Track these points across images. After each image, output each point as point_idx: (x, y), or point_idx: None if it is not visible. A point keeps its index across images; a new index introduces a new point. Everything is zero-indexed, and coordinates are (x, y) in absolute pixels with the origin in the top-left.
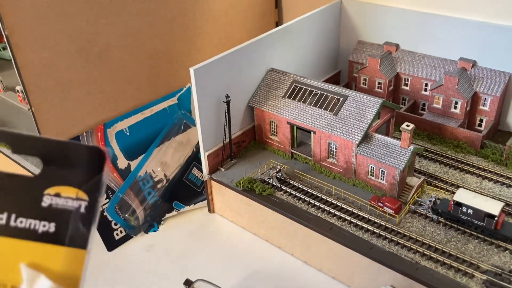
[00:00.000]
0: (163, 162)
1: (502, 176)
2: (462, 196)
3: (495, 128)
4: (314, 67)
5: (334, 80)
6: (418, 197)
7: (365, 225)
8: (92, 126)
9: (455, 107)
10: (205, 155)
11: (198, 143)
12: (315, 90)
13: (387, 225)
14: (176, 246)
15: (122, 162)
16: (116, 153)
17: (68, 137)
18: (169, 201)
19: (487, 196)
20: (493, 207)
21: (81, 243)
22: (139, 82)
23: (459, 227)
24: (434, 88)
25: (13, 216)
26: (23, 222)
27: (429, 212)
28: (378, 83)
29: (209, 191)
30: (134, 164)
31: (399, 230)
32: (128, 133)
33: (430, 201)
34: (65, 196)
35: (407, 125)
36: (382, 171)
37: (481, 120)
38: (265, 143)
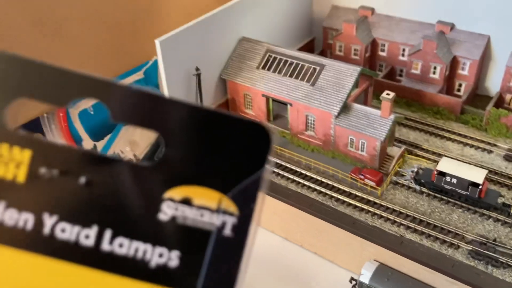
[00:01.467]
0: (131, 142)
1: (483, 142)
2: (445, 165)
3: (474, 93)
4: (287, 35)
5: (308, 48)
6: (399, 167)
7: (346, 199)
8: (53, 107)
9: (434, 72)
10: None
11: None
12: (290, 59)
13: (369, 198)
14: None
15: (88, 144)
16: (81, 134)
17: (27, 120)
18: None
19: (470, 164)
20: (477, 176)
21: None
22: (102, 56)
23: (442, 197)
24: (412, 53)
25: (107, 234)
26: (124, 246)
27: (411, 182)
28: (355, 49)
29: None
30: (100, 144)
31: (381, 203)
32: (92, 112)
33: (412, 171)
34: (200, 205)
35: (388, 94)
36: (362, 142)
37: (460, 85)
38: None
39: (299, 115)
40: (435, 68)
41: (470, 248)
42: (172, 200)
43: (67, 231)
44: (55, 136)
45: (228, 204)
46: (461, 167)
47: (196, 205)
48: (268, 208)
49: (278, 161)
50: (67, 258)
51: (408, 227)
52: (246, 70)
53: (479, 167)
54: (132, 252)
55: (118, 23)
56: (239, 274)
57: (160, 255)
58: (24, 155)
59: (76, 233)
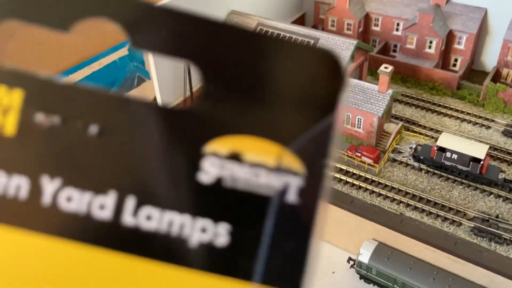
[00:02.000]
0: None
1: (480, 117)
2: (445, 140)
3: (470, 68)
4: (276, 10)
5: (299, 23)
6: (396, 144)
7: (343, 177)
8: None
9: (430, 47)
10: None
11: (154, 98)
12: (283, 33)
13: (366, 176)
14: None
15: None
16: None
17: None
18: None
19: (470, 139)
20: (478, 151)
21: (290, 276)
22: (86, 31)
23: (442, 173)
24: (407, 27)
25: (130, 202)
26: (153, 219)
27: (410, 159)
28: (347, 24)
29: None
30: None
31: (379, 181)
32: None
33: (410, 147)
34: (254, 162)
35: (386, 67)
36: (358, 118)
37: (455, 60)
38: None
39: None
40: (430, 42)
41: (472, 225)
42: (216, 155)
43: (75, 200)
44: None
45: (291, 161)
46: (461, 142)
47: (249, 161)
48: None
49: None
50: (75, 237)
51: (408, 205)
52: None
53: (480, 142)
54: (165, 227)
55: None
56: (309, 253)
57: (203, 230)
58: (13, 98)
59: (87, 202)
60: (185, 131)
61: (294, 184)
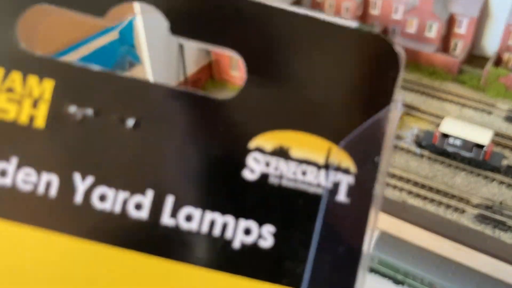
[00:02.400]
0: None
1: (481, 103)
2: (449, 126)
3: (470, 53)
4: None
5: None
6: (398, 130)
7: None
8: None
9: (430, 31)
10: None
11: None
12: None
13: None
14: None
15: None
16: None
17: None
18: None
19: (473, 124)
20: (482, 137)
21: (343, 280)
22: (74, 14)
23: (444, 160)
24: (408, 11)
25: (169, 201)
26: (194, 219)
27: (411, 145)
28: (346, 8)
29: None
30: None
31: None
32: None
33: (412, 133)
34: (301, 159)
35: None
36: None
37: (456, 44)
38: (225, 81)
39: None
40: (431, 26)
41: (476, 212)
42: (261, 150)
43: (109, 199)
44: None
45: (342, 157)
46: (464, 128)
47: (296, 158)
48: None
49: None
50: (109, 240)
51: (410, 192)
52: None
53: (483, 128)
54: (206, 228)
55: None
56: (361, 256)
57: (247, 232)
58: (44, 88)
59: (123, 201)
60: (228, 125)
61: (345, 182)
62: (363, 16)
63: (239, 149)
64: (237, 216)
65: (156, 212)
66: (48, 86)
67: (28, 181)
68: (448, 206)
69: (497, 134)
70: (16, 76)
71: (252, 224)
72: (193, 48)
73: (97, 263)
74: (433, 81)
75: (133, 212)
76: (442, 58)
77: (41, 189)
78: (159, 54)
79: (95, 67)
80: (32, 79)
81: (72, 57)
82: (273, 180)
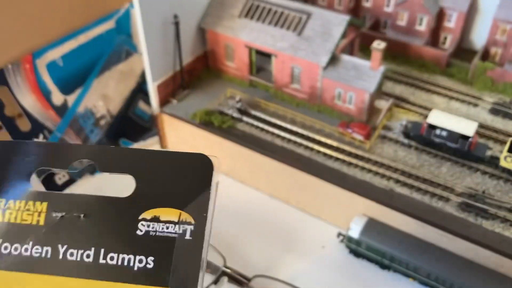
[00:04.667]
0: (104, 96)
1: (468, 95)
2: (435, 118)
3: (459, 46)
4: None
5: None
6: (387, 120)
7: (334, 154)
8: (18, 57)
9: (421, 24)
10: (154, 85)
11: (142, 73)
12: (274, 7)
13: (357, 153)
14: (128, 186)
15: (57, 98)
16: (50, 87)
17: None
18: (115, 139)
19: (460, 117)
20: (468, 128)
21: (189, 282)
22: (71, 2)
23: (431, 150)
24: (399, 4)
25: (102, 252)
26: (114, 259)
27: (400, 136)
28: (338, 0)
29: (160, 126)
30: (71, 99)
31: (370, 157)
32: (61, 64)
33: (401, 124)
34: (165, 220)
35: (378, 44)
36: (350, 95)
37: (445, 38)
38: (220, 70)
39: (284, 67)
40: (421, 19)
41: (460, 201)
42: (145, 219)
43: (74, 255)
44: (22, 88)
45: (186, 217)
46: (451, 119)
47: (163, 220)
48: (253, 164)
49: (263, 116)
50: (74, 275)
51: (397, 181)
52: (227, 19)
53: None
54: (120, 262)
55: None
56: (201, 269)
57: (140, 261)
58: (43, 206)
59: (81, 255)
60: (130, 208)
61: (189, 229)
62: (355, 8)
63: (135, 220)
64: (135, 254)
65: (97, 257)
66: (44, 205)
67: (37, 251)
68: (433, 195)
69: (482, 126)
70: (31, 203)
71: (142, 257)
72: (189, 38)
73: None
74: (422, 74)
75: (86, 259)
76: (431, 51)
77: (43, 255)
78: (157, 44)
79: (67, 191)
80: (38, 203)
81: (71, 45)
82: (151, 233)
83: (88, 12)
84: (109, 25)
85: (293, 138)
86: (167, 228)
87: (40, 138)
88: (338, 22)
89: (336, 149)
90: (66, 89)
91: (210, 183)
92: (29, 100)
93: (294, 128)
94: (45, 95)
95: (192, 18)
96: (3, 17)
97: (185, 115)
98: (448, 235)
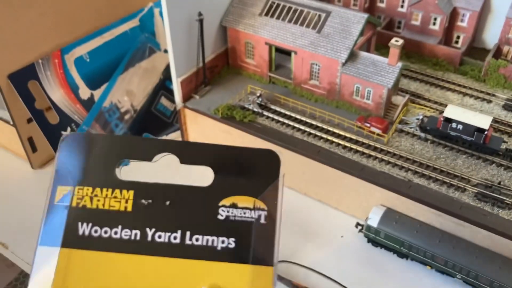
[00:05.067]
0: (129, 91)
1: (482, 92)
2: (452, 112)
3: (471, 45)
4: None
5: None
6: (403, 116)
7: (353, 146)
8: (48, 52)
9: (434, 24)
10: (178, 81)
11: (165, 69)
12: (294, 6)
13: (375, 145)
14: (206, 177)
15: (85, 92)
16: (77, 82)
17: (22, 65)
18: (139, 133)
19: (475, 111)
20: (483, 122)
21: (266, 258)
22: (96, 4)
23: (447, 143)
24: (413, 4)
25: (187, 234)
26: (199, 240)
27: (416, 130)
28: (354, 0)
29: (183, 120)
30: (97, 94)
31: (388, 150)
32: (88, 60)
33: (417, 119)
34: (242, 207)
35: (396, 41)
36: (368, 90)
37: (458, 37)
38: (240, 67)
39: (303, 64)
40: (435, 19)
41: (476, 191)
42: (225, 206)
43: (162, 237)
44: (51, 82)
45: (260, 204)
46: (466, 113)
47: (240, 207)
48: None
49: (283, 111)
50: (163, 254)
51: (415, 172)
52: (248, 17)
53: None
54: (205, 243)
55: None
56: (275, 247)
57: (222, 242)
58: (130, 194)
59: (168, 236)
60: (211, 196)
61: (263, 214)
62: (370, 9)
63: (216, 206)
64: (218, 235)
65: (183, 238)
66: (131, 193)
67: (127, 234)
68: (450, 185)
69: (496, 121)
70: (117, 191)
71: (225, 238)
72: (211, 36)
73: (155, 267)
74: (436, 72)
75: (173, 240)
76: (445, 49)
77: (132, 237)
78: (181, 41)
79: (152, 180)
80: (124, 191)
81: (97, 42)
82: (231, 218)
83: (113, 12)
84: (134, 23)
85: (312, 131)
86: (245, 213)
87: (68, 131)
88: (356, 20)
89: (355, 142)
90: (92, 84)
91: (278, 174)
92: (57, 94)
93: (314, 122)
94: (73, 89)
95: (214, 16)
96: (34, 15)
97: (207, 110)
98: (465, 223)
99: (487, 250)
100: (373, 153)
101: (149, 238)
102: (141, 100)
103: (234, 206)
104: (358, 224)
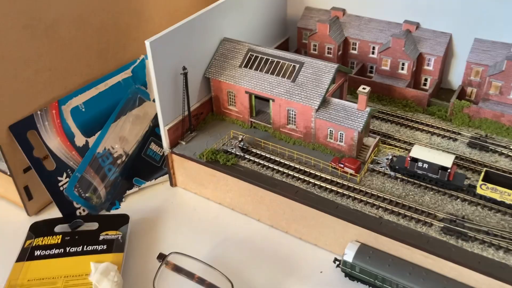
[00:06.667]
0: (121, 137)
1: (448, 131)
2: (417, 152)
3: (438, 86)
4: (264, 35)
5: (284, 47)
6: (375, 156)
7: (328, 186)
8: (45, 104)
9: (402, 68)
10: (165, 129)
11: (154, 117)
12: (271, 58)
13: (349, 185)
14: (142, 222)
15: (80, 139)
16: (73, 130)
17: (22, 117)
18: (129, 178)
19: (439, 150)
20: (446, 160)
21: (120, 250)
22: (89, 57)
23: (415, 181)
24: (382, 51)
25: (85, 246)
26: (90, 247)
27: (387, 169)
28: (328, 48)
29: (171, 165)
30: (92, 140)
31: (361, 188)
32: (83, 109)
33: (387, 159)
34: (111, 234)
35: (363, 88)
36: (340, 133)
37: (425, 80)
38: (223, 114)
39: (281, 110)
40: (403, 64)
41: (442, 225)
42: (103, 234)
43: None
44: (48, 131)
45: (118, 233)
46: (431, 153)
47: (110, 234)
48: (255, 197)
49: (263, 153)
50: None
51: (386, 209)
52: (229, 69)
53: (448, 153)
54: (94, 248)
55: (104, 25)
56: (125, 248)
57: (101, 247)
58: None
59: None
60: (98, 231)
61: (119, 236)
62: (344, 55)
63: (99, 234)
64: (99, 245)
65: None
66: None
67: None
68: (418, 221)
69: (461, 158)
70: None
71: (102, 246)
72: (196, 86)
73: None
74: (406, 113)
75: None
76: (413, 92)
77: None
78: (167, 92)
79: None
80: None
81: (92, 92)
82: (106, 238)
83: (105, 65)
84: (126, 74)
85: (291, 173)
86: (112, 236)
87: (64, 177)
88: (327, 69)
89: (330, 182)
90: (87, 132)
91: (127, 223)
92: (55, 142)
93: (292, 164)
94: (69, 137)
95: (198, 68)
96: (30, 72)
97: (192, 154)
98: (433, 256)
99: (455, 281)
100: (346, 192)
101: None
102: (132, 145)
103: (107, 234)
104: (336, 259)
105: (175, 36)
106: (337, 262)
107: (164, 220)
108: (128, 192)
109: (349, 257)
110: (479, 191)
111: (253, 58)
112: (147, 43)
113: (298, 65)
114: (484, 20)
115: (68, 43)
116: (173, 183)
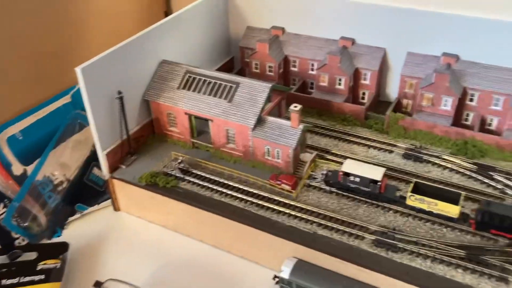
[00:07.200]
0: (61, 164)
1: (384, 143)
2: (348, 166)
3: (376, 100)
4: (207, 56)
5: (228, 66)
6: (312, 171)
7: (265, 204)
8: None
9: (340, 84)
10: (103, 154)
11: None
12: (208, 79)
13: (285, 201)
14: (83, 248)
15: (17, 168)
16: (10, 160)
17: None
18: (72, 204)
19: (371, 163)
20: (376, 173)
21: (58, 279)
22: (26, 83)
23: (349, 195)
24: (319, 68)
25: (22, 277)
26: (28, 278)
27: (322, 184)
28: (269, 66)
29: (112, 190)
30: (31, 168)
31: (296, 205)
32: (21, 137)
33: (322, 174)
34: (50, 263)
35: (295, 106)
36: (277, 151)
37: (363, 94)
38: (165, 135)
39: (219, 130)
40: (340, 80)
41: (373, 238)
42: (42, 264)
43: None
44: None
45: (58, 261)
46: (362, 167)
47: (49, 263)
48: (196, 219)
49: (203, 174)
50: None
51: (320, 224)
52: (168, 91)
53: (381, 166)
54: (32, 279)
55: (41, 51)
56: (63, 276)
57: (39, 277)
58: None
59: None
60: (36, 261)
61: (58, 265)
62: (285, 72)
63: (37, 264)
64: (37, 275)
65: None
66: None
67: None
68: (350, 234)
69: (395, 170)
70: None
71: (41, 276)
72: (135, 109)
73: None
74: (344, 127)
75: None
76: (351, 106)
77: None
78: (103, 117)
79: None
80: None
81: (30, 120)
82: (45, 268)
83: (46, 90)
84: (66, 99)
85: (229, 192)
86: (51, 265)
87: (1, 207)
88: (262, 89)
89: (268, 199)
90: (25, 160)
91: (66, 251)
92: None
93: (231, 183)
94: (5, 166)
95: (136, 91)
96: None
97: (132, 178)
98: (365, 269)
99: None
100: (282, 209)
101: None
102: (73, 171)
103: (46, 263)
104: (275, 276)
105: (109, 61)
106: (277, 279)
107: (106, 246)
108: (70, 218)
109: (285, 273)
110: (408, 202)
111: (191, 79)
112: (77, 70)
113: (234, 86)
114: (416, 34)
115: (5, 69)
116: (116, 208)
